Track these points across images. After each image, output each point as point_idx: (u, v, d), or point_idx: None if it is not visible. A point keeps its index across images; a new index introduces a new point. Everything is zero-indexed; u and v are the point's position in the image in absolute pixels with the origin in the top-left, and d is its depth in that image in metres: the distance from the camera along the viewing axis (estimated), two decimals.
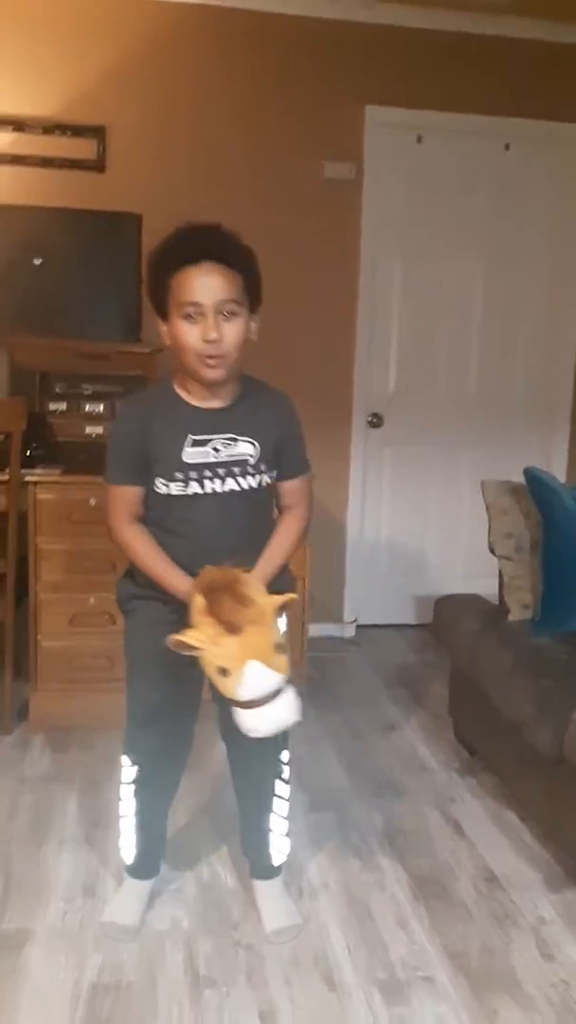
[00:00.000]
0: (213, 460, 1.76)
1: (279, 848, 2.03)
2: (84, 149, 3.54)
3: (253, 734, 1.62)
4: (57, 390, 3.30)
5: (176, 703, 1.91)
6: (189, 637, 1.58)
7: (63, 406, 3.30)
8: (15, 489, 2.76)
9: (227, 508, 1.78)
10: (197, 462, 1.75)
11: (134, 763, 1.95)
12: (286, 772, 2.01)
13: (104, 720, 2.89)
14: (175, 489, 1.75)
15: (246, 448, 1.78)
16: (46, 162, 3.52)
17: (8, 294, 3.22)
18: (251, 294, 1.73)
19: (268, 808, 2.00)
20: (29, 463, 2.89)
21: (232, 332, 1.69)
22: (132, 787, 1.96)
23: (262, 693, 1.56)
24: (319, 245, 3.71)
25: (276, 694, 1.57)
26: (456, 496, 3.98)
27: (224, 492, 1.77)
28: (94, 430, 3.31)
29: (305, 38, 3.57)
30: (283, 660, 1.59)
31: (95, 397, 3.31)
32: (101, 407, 3.31)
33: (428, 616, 3.84)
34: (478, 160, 3.78)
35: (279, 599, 1.64)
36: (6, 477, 2.76)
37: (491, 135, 3.75)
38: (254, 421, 1.79)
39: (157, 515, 1.80)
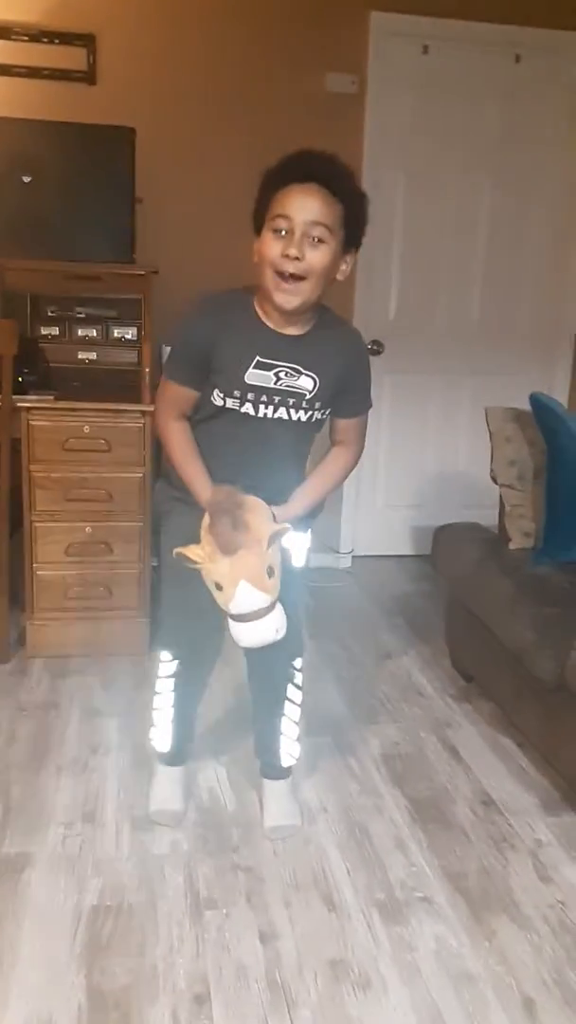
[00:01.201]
0: (272, 386, 1.75)
1: (289, 750, 2.11)
2: (73, 59, 3.36)
3: (240, 644, 1.76)
4: (49, 313, 3.21)
5: (209, 606, 1.90)
6: (190, 551, 1.71)
7: (55, 330, 3.21)
8: (7, 416, 2.70)
9: (272, 433, 1.79)
10: (256, 384, 1.74)
11: (174, 657, 2.03)
12: (299, 678, 2.07)
13: (101, 648, 2.90)
14: (230, 404, 1.76)
15: (305, 382, 1.76)
16: (33, 72, 3.35)
17: None
18: (350, 229, 1.70)
19: (280, 711, 2.07)
20: (20, 389, 2.82)
21: (315, 257, 1.65)
22: (171, 680, 2.05)
23: (250, 610, 1.69)
24: None
25: (263, 612, 1.69)
26: (455, 425, 3.92)
27: (274, 418, 1.77)
28: (87, 355, 3.24)
29: None
30: (272, 583, 1.70)
31: (88, 321, 3.22)
32: (94, 331, 3.23)
33: (425, 547, 3.83)
34: (487, 72, 3.60)
35: (274, 527, 1.70)
36: None
37: (501, 45, 3.56)
38: (320, 357, 1.77)
39: (206, 419, 1.82)
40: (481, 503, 3.70)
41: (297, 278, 1.65)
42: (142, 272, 3.07)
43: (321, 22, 3.45)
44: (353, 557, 3.98)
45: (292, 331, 1.75)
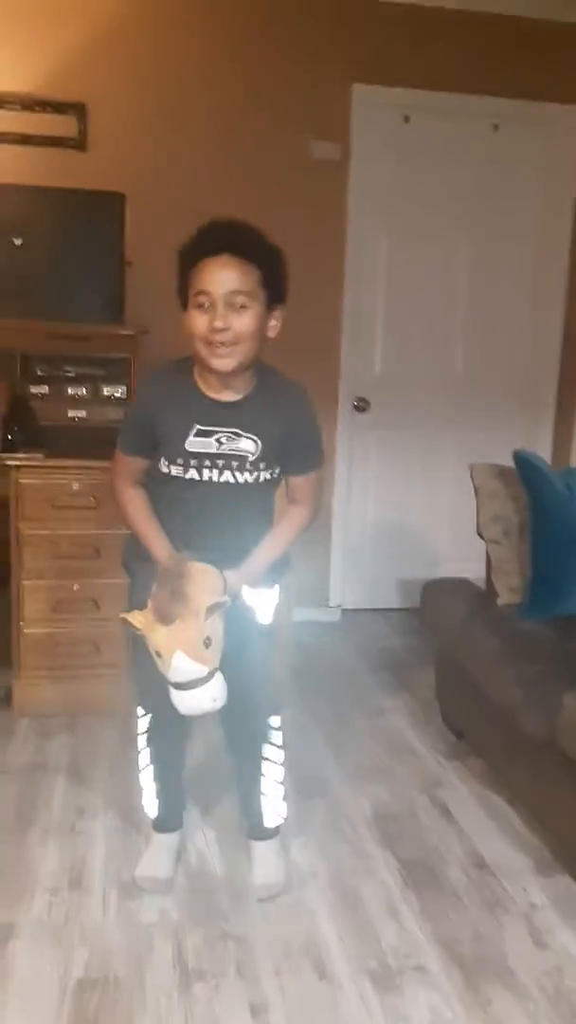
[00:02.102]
0: (214, 451, 1.80)
1: (273, 810, 2.09)
2: (65, 126, 3.46)
3: (179, 710, 1.77)
4: (39, 372, 3.24)
5: None
6: (133, 618, 1.75)
7: (45, 389, 3.24)
8: None
9: (221, 497, 1.83)
10: (198, 451, 1.80)
11: (147, 711, 2.04)
12: (276, 737, 2.06)
13: (89, 707, 2.87)
14: (175, 471, 1.81)
15: (247, 445, 1.80)
16: (26, 139, 3.44)
17: None
18: (271, 289, 1.74)
19: (259, 772, 2.06)
20: (10, 447, 2.84)
21: (241, 323, 1.70)
22: (146, 736, 2.05)
23: (186, 679, 1.71)
24: (305, 226, 3.65)
25: (200, 682, 1.71)
26: (441, 480, 3.96)
27: (220, 482, 1.82)
28: (77, 413, 3.26)
29: (290, 15, 3.50)
30: (209, 654, 1.72)
31: (78, 380, 3.25)
32: (84, 390, 3.25)
33: (413, 600, 3.83)
34: (466, 140, 3.73)
35: (212, 599, 1.73)
36: None
37: (479, 115, 3.69)
38: (261, 418, 1.80)
39: (158, 486, 1.87)
40: (468, 556, 3.71)
41: (228, 344, 1.71)
42: (131, 332, 3.12)
43: (305, 94, 3.57)
44: (342, 611, 3.98)
45: (230, 396, 1.80)
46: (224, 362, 1.73)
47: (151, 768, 2.07)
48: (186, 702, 1.74)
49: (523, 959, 1.85)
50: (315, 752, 2.72)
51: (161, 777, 2.07)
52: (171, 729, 2.05)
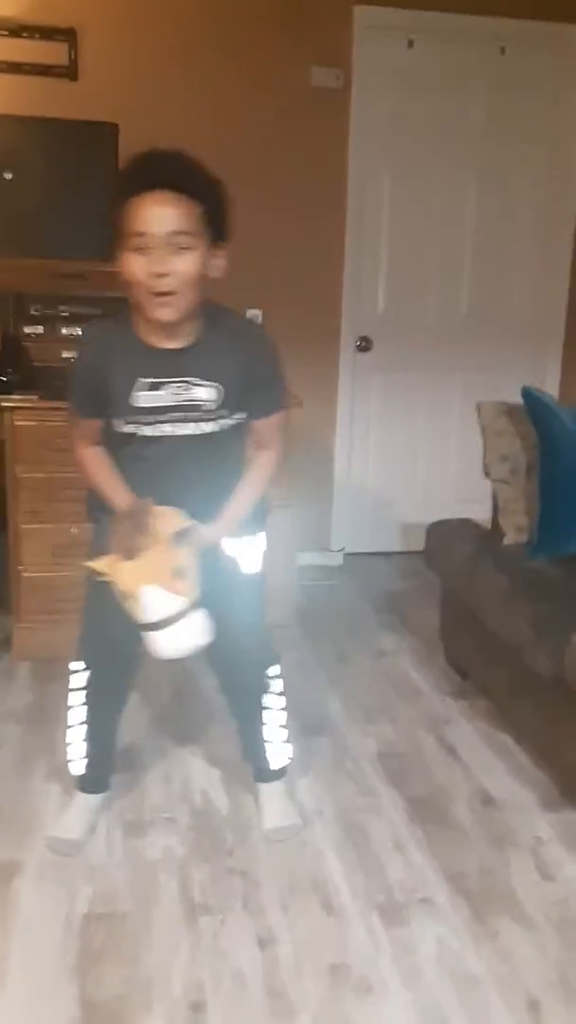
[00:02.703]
0: (169, 404, 1.68)
1: (277, 754, 2.05)
2: (55, 54, 3.32)
3: (160, 655, 1.67)
4: (32, 312, 3.16)
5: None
6: (96, 563, 1.64)
7: (39, 329, 3.16)
8: None
9: (184, 450, 1.73)
10: (150, 406, 1.68)
11: (87, 667, 1.94)
12: (275, 685, 2.01)
13: None
14: (129, 429, 1.71)
15: (204, 393, 1.68)
16: (14, 67, 3.31)
17: None
18: (214, 226, 1.60)
19: (259, 720, 2.02)
20: (5, 389, 2.77)
21: (184, 266, 1.55)
22: (83, 693, 1.95)
23: (162, 616, 1.61)
24: (304, 157, 3.53)
25: (176, 617, 1.61)
26: (446, 421, 3.89)
27: (181, 435, 1.71)
28: (72, 354, 3.16)
29: None
30: (184, 584, 1.61)
31: (72, 319, 3.17)
32: (79, 330, 3.17)
33: (416, 544, 3.78)
34: (472, 65, 3.59)
35: (173, 525, 1.63)
36: None
37: (486, 37, 3.55)
38: (214, 363, 1.68)
39: (117, 447, 1.77)
40: (472, 498, 3.65)
41: (171, 291, 1.56)
42: None
43: (305, 16, 3.42)
44: (344, 555, 3.95)
45: (177, 344, 1.66)
46: (167, 311, 1.58)
47: (83, 728, 1.96)
48: (164, 642, 1.64)
49: (530, 891, 1.85)
50: (318, 692, 2.70)
51: (92, 737, 1.97)
52: (111, 687, 1.97)
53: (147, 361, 1.66)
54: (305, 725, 2.47)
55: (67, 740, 2.00)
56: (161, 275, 1.54)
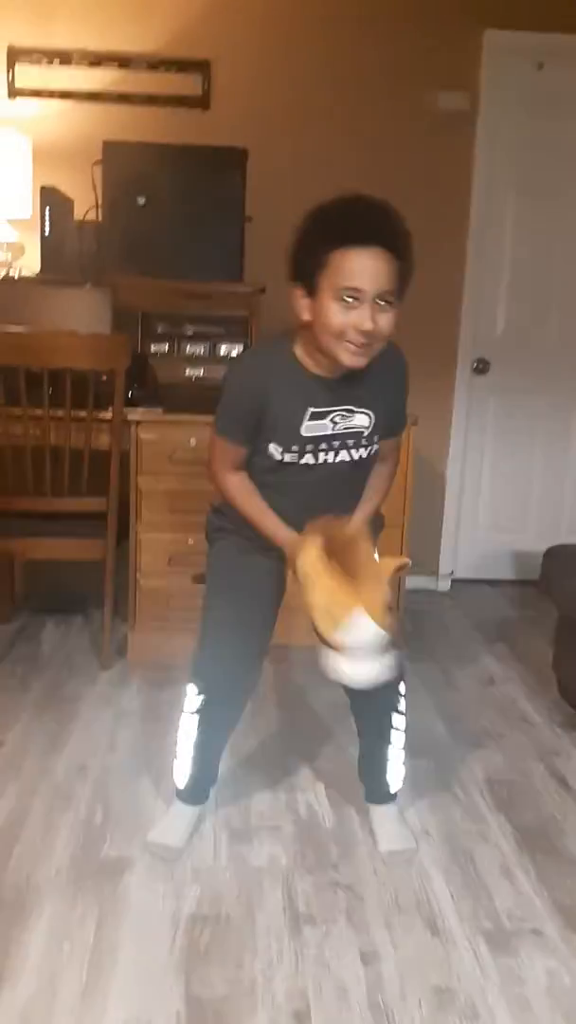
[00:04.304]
0: (329, 433, 1.72)
1: (395, 776, 2.05)
2: (189, 85, 3.47)
3: (340, 679, 1.66)
4: (159, 331, 3.27)
5: (251, 629, 1.92)
6: (312, 543, 1.61)
7: (164, 347, 3.27)
8: (118, 427, 2.75)
9: (336, 476, 1.78)
10: (314, 435, 1.71)
11: (200, 692, 1.94)
12: (403, 704, 2.01)
13: None
14: (288, 458, 1.73)
15: (362, 420, 1.74)
16: (151, 99, 3.48)
17: (112, 233, 3.19)
18: (404, 283, 1.61)
19: (386, 740, 2.02)
20: (130, 403, 2.88)
21: (385, 323, 1.59)
22: (196, 716, 1.95)
23: (364, 642, 1.59)
24: (429, 178, 3.55)
25: (378, 650, 1.60)
26: (564, 447, 3.82)
27: (336, 463, 1.76)
28: (194, 372, 3.28)
29: None
30: (391, 622, 1.60)
31: (196, 338, 3.27)
32: (202, 349, 3.27)
33: (528, 572, 3.73)
34: None
35: (396, 562, 1.65)
36: (109, 415, 2.75)
37: None
38: (372, 391, 1.73)
39: (265, 472, 1.78)
40: None
41: (369, 345, 1.60)
42: (250, 290, 3.11)
43: (434, 40, 3.46)
44: (452, 580, 3.90)
45: (337, 374, 1.69)
46: (360, 360, 1.62)
47: (193, 741, 1.97)
48: (357, 669, 1.63)
49: None
50: (425, 717, 2.67)
51: (201, 754, 1.98)
52: (226, 713, 1.98)
53: (314, 390, 1.69)
54: (411, 748, 2.44)
55: (176, 753, 2.02)
56: (367, 331, 1.57)
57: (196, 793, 2.04)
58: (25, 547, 2.85)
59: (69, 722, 2.53)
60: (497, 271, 3.68)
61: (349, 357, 1.61)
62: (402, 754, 2.04)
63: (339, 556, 1.62)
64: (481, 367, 3.72)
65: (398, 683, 1.98)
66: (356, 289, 1.55)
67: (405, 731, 2.04)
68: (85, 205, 3.26)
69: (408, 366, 1.82)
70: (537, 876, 1.93)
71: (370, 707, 2.01)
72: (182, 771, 2.01)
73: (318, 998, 1.57)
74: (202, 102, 3.48)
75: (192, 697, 1.95)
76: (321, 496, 1.76)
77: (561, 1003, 1.58)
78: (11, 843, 1.97)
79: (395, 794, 2.07)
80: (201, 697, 1.94)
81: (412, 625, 3.34)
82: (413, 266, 1.62)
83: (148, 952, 1.68)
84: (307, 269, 1.59)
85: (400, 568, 1.65)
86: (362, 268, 1.54)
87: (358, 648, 1.60)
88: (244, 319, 3.20)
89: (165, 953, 1.68)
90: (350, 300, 1.56)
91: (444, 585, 3.89)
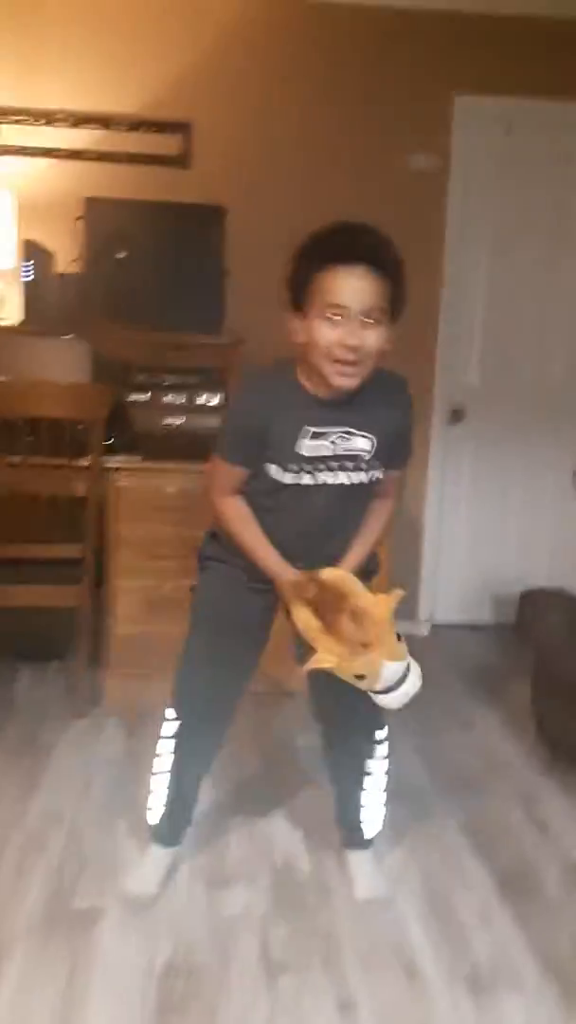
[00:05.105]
0: (328, 453, 1.73)
1: (372, 822, 2.03)
2: (169, 145, 3.56)
3: (389, 707, 1.76)
4: (139, 380, 3.32)
5: (231, 663, 1.92)
6: (323, 663, 1.65)
7: (143, 397, 3.32)
8: (96, 475, 2.77)
9: (334, 499, 1.77)
10: (313, 455, 1.72)
11: (177, 716, 1.95)
12: (380, 750, 2.00)
13: None
14: (287, 479, 1.74)
15: (362, 443, 1.73)
16: (132, 158, 3.56)
17: (94, 285, 3.26)
18: (395, 303, 1.65)
19: (359, 785, 2.00)
20: (109, 451, 2.90)
21: (372, 340, 1.61)
22: (172, 742, 1.96)
23: (394, 680, 1.69)
24: (403, 238, 3.53)
25: (405, 675, 1.70)
26: (539, 494, 3.87)
27: (335, 484, 1.75)
28: (173, 421, 3.32)
29: (392, 27, 3.53)
30: (402, 646, 1.70)
31: (174, 388, 3.31)
32: (180, 398, 3.31)
33: (505, 616, 3.75)
34: (569, 149, 3.67)
35: (391, 601, 1.67)
36: (87, 463, 2.78)
37: None
38: (374, 415, 1.73)
39: (263, 494, 1.78)
40: (564, 572, 3.61)
41: (356, 363, 1.62)
42: (228, 342, 3.17)
43: (406, 106, 3.59)
44: (431, 625, 3.91)
45: (338, 396, 1.70)
46: (349, 381, 1.63)
47: (167, 776, 1.97)
48: (396, 699, 1.72)
49: None
50: (405, 762, 2.65)
51: (174, 788, 1.97)
52: (201, 741, 1.98)
53: (314, 411, 1.70)
54: (390, 793, 2.43)
55: (150, 787, 2.02)
56: (352, 347, 1.60)
57: (170, 831, 2.02)
58: (1, 594, 2.84)
59: (43, 770, 2.50)
60: (470, 324, 3.77)
61: (338, 377, 1.63)
62: (381, 799, 2.03)
63: (343, 622, 1.66)
64: (457, 416, 3.79)
65: (373, 731, 1.99)
66: (340, 306, 1.58)
67: (386, 776, 2.03)
68: (67, 258, 3.32)
69: (413, 399, 1.83)
70: (515, 922, 1.91)
71: (344, 752, 2.01)
72: (156, 805, 2.00)
73: None
74: (182, 161, 3.57)
75: (168, 723, 1.97)
76: (318, 521, 1.77)
77: None
78: None
79: (371, 840, 2.05)
80: (177, 723, 1.95)
81: None
82: (404, 290, 1.65)
83: (121, 1005, 1.64)
84: (298, 292, 1.63)
85: (394, 601, 1.67)
86: (346, 285, 1.58)
87: (392, 685, 1.69)
88: (221, 370, 3.25)
89: (138, 1006, 1.64)
90: (336, 317, 1.59)
91: (423, 630, 3.90)
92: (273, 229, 3.58)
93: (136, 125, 3.55)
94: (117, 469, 2.88)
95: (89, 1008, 1.62)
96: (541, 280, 3.77)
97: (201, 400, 3.34)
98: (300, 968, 1.74)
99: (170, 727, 1.97)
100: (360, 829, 2.03)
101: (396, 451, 1.81)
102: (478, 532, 3.92)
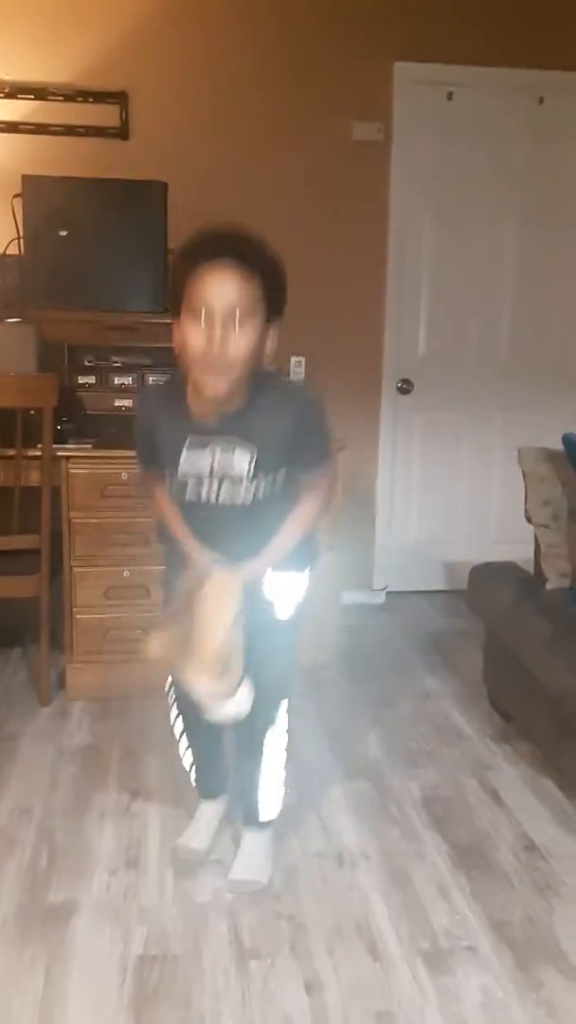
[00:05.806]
0: (207, 470, 1.74)
1: (267, 802, 2.06)
2: (107, 116, 3.48)
3: (211, 719, 1.87)
4: (86, 363, 3.29)
5: None
6: (151, 647, 1.83)
7: (92, 379, 3.29)
8: (47, 464, 2.76)
9: (231, 520, 1.79)
10: (192, 469, 1.74)
11: (172, 683, 2.06)
12: (282, 723, 2.01)
13: (140, 690, 2.92)
14: (187, 492, 1.79)
15: (240, 461, 1.71)
16: (69, 130, 3.48)
17: (35, 267, 3.19)
18: (270, 302, 1.62)
19: (259, 759, 2.02)
20: (60, 438, 2.88)
21: (240, 342, 1.58)
22: (175, 707, 2.11)
23: (212, 699, 1.81)
24: (347, 207, 3.64)
25: (225, 698, 1.80)
26: (487, 461, 3.94)
27: (220, 504, 1.76)
28: (123, 403, 3.30)
29: None
30: (231, 671, 1.76)
31: (123, 369, 3.30)
32: (130, 379, 3.30)
33: (459, 582, 3.83)
34: (511, 115, 3.67)
35: (226, 618, 1.74)
36: (38, 452, 2.76)
37: (524, 89, 3.63)
38: (258, 425, 1.71)
39: (176, 504, 1.87)
40: (515, 538, 3.67)
41: (225, 365, 1.60)
42: (173, 321, 3.14)
43: (346, 73, 3.55)
44: (387, 593, 3.99)
45: (221, 407, 1.69)
46: (218, 385, 1.62)
47: (185, 736, 2.13)
48: (212, 713, 1.84)
49: (575, 941, 1.86)
50: (363, 735, 2.75)
51: (196, 746, 2.13)
52: (194, 704, 2.02)
53: (193, 417, 1.72)
54: (348, 768, 2.52)
55: (179, 753, 2.17)
56: (217, 349, 1.58)
57: (210, 785, 2.18)
58: None
59: (10, 763, 2.54)
60: (416, 295, 3.79)
61: (206, 380, 1.62)
62: (279, 777, 2.04)
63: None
64: (405, 387, 3.82)
65: (276, 700, 1.98)
66: (201, 306, 1.56)
67: (287, 752, 2.04)
68: (5, 239, 3.25)
69: (314, 404, 1.79)
70: (472, 893, 2.02)
71: (246, 722, 1.94)
72: (187, 764, 2.17)
73: None
74: (121, 133, 3.50)
75: (172, 689, 2.09)
76: (220, 537, 1.81)
77: (495, 1018, 1.67)
78: None
79: (265, 823, 2.07)
80: (173, 688, 2.07)
81: (349, 640, 3.42)
82: (278, 285, 1.63)
83: (98, 997, 1.71)
84: (176, 300, 1.62)
85: (234, 619, 1.74)
86: (208, 284, 1.56)
87: (212, 699, 1.81)
88: (170, 349, 3.21)
89: (115, 997, 1.71)
90: (200, 317, 1.57)
91: (379, 599, 3.98)
92: (216, 202, 3.53)
93: (72, 95, 3.46)
94: (69, 457, 2.87)
95: (68, 1003, 1.69)
96: (485, 247, 3.79)
97: (151, 380, 3.32)
98: (268, 952, 1.82)
99: (171, 694, 2.09)
100: (254, 808, 2.06)
101: (299, 455, 1.77)
102: (430, 500, 4.00)
